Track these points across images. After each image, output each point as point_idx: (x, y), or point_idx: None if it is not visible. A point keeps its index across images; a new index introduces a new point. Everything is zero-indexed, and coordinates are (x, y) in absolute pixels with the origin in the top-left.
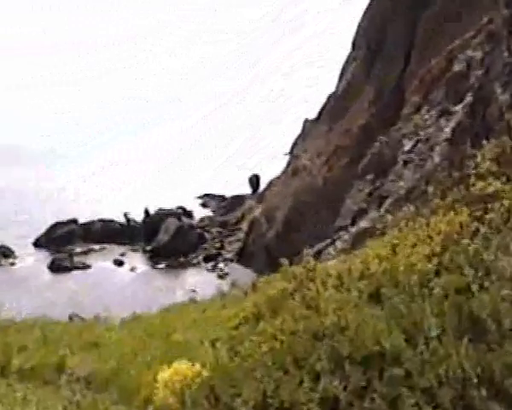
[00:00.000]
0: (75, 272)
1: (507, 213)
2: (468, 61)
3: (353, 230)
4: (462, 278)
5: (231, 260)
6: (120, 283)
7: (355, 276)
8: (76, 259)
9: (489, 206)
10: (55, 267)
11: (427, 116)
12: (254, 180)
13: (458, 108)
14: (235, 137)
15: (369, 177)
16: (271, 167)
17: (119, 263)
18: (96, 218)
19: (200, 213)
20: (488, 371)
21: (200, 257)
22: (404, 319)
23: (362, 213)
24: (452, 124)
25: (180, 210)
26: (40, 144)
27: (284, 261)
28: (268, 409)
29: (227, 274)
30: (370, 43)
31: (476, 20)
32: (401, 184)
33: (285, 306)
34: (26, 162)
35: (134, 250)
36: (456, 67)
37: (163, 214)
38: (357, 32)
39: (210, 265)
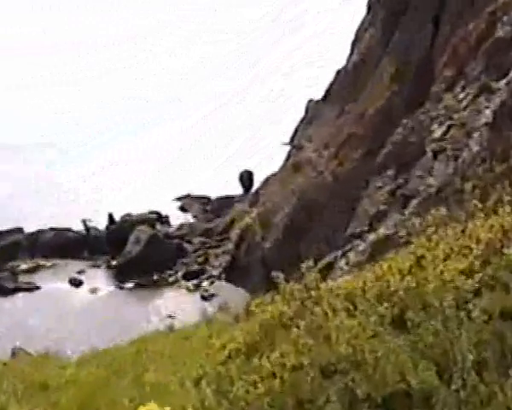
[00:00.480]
0: (20, 295)
1: None
2: None
3: (371, 238)
4: (508, 299)
5: (218, 278)
6: (78, 308)
7: (373, 296)
8: (21, 278)
9: None
10: None
11: (462, 95)
12: (246, 178)
13: (501, 84)
14: (235, 137)
15: (390, 172)
16: (269, 166)
17: (77, 283)
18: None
19: (178, 218)
20: None
21: (179, 274)
22: (436, 350)
23: (381, 216)
24: (494, 105)
25: (153, 215)
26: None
27: (279, 277)
28: None
29: (213, 295)
30: (391, 4)
31: None
32: (430, 180)
33: (286, 335)
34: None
35: (95, 266)
36: (500, 33)
37: (132, 221)
38: None
39: (191, 283)
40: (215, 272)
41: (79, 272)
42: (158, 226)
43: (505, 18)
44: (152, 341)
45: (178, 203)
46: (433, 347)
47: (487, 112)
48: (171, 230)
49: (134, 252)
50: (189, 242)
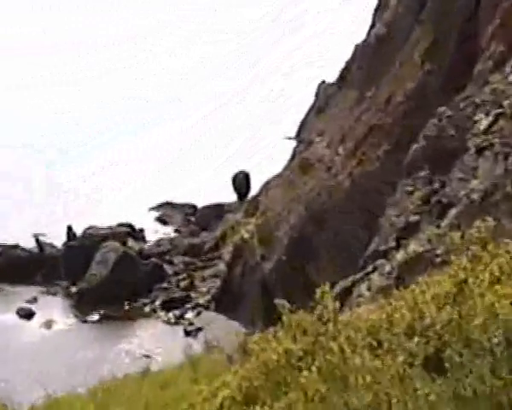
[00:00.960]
0: None
1: None
2: None
3: (398, 257)
4: None
5: (206, 307)
6: (29, 345)
7: (401, 330)
8: None
9: None
10: None
11: None
12: (241, 181)
13: None
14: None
15: (423, 173)
16: (270, 166)
17: (27, 314)
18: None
19: (156, 232)
20: None
21: (157, 303)
22: (483, 399)
23: (411, 230)
24: None
25: (124, 228)
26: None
27: (284, 306)
28: None
29: (200, 329)
30: None
31: None
32: (473, 183)
33: (293, 379)
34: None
35: (50, 293)
36: None
37: (97, 236)
38: None
39: (172, 315)
40: (202, 301)
41: (30, 301)
42: (130, 242)
43: None
44: (121, 388)
45: (155, 214)
46: (479, 396)
47: None
48: (146, 247)
49: (99, 275)
50: (170, 262)
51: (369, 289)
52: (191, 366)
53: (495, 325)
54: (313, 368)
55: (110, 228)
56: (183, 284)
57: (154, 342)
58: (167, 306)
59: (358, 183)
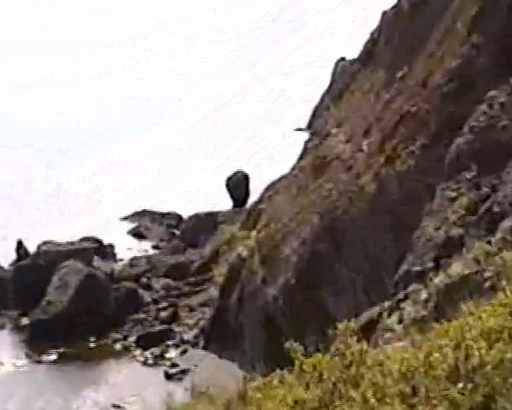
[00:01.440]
0: None
1: None
2: None
3: (438, 280)
4: None
5: (193, 344)
6: None
7: (442, 374)
8: None
9: None
10: None
11: None
12: (239, 184)
13: None
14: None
15: (469, 175)
16: (271, 167)
17: None
18: None
19: (129, 249)
20: None
21: (131, 338)
22: None
23: (454, 246)
24: None
25: (90, 244)
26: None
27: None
28: None
29: (185, 372)
30: None
31: None
32: None
33: None
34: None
35: None
36: None
37: (54, 254)
38: None
39: (150, 354)
40: (188, 336)
41: None
42: (97, 262)
43: None
44: None
45: (129, 225)
46: None
47: None
48: (118, 267)
49: (58, 303)
50: (148, 286)
51: (400, 321)
52: None
53: None
54: None
55: (71, 244)
56: (163, 314)
57: (128, 388)
58: (144, 342)
59: (386, 186)
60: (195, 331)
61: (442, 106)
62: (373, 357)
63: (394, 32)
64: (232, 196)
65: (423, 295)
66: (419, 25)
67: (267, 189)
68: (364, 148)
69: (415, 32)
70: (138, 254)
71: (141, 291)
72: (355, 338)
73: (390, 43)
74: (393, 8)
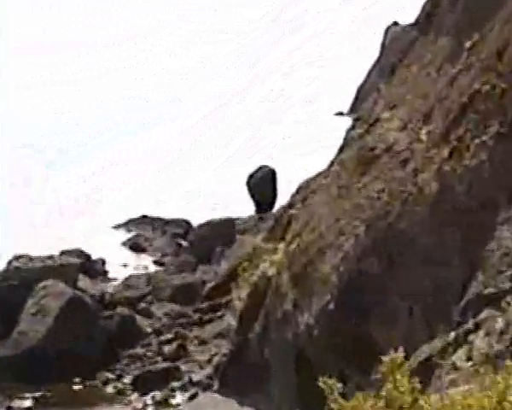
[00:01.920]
0: None
1: None
2: None
3: None
4: None
5: (205, 387)
6: None
7: None
8: None
9: None
10: None
11: None
12: (264, 182)
13: None
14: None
15: None
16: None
17: None
18: None
19: (125, 266)
20: None
21: (127, 379)
22: None
23: None
24: None
25: (74, 260)
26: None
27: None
28: None
29: None
30: None
31: None
32: None
33: None
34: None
35: None
36: None
37: (29, 271)
38: None
39: (151, 398)
40: (199, 376)
41: None
42: (83, 281)
43: None
44: None
45: (124, 235)
46: None
47: None
48: (110, 289)
49: (34, 335)
50: (148, 313)
51: (469, 357)
52: None
53: None
54: None
55: (50, 258)
56: (167, 348)
57: None
58: (143, 384)
59: (451, 186)
60: (208, 370)
61: None
62: (432, 403)
63: None
64: (255, 199)
65: (498, 325)
66: None
67: (299, 189)
68: (423, 137)
69: None
70: (136, 273)
71: (139, 319)
72: (407, 378)
73: (456, 4)
74: None
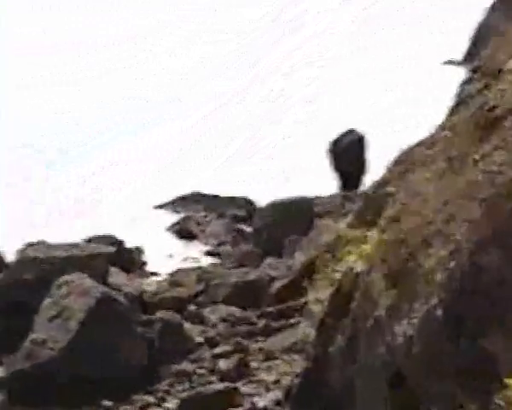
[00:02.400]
0: None
1: None
2: None
3: None
4: None
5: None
6: None
7: None
8: None
9: None
10: None
11: None
12: (355, 149)
13: None
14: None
15: None
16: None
17: None
18: None
19: (170, 256)
20: None
21: (173, 403)
22: None
23: None
24: None
25: (104, 248)
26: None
27: None
28: None
29: None
30: None
31: None
32: None
33: None
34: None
35: None
36: None
37: (48, 263)
38: None
39: None
40: (264, 401)
41: None
42: (114, 277)
43: None
44: None
45: (169, 218)
46: None
47: None
48: (150, 287)
49: (53, 345)
50: (199, 319)
51: None
52: None
53: None
54: None
55: (74, 245)
56: (224, 364)
57: None
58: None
59: None
60: (276, 394)
61: None
62: None
63: None
64: (339, 172)
65: None
66: None
67: (397, 161)
68: None
69: None
70: (184, 266)
71: (188, 326)
72: None
73: None
74: None
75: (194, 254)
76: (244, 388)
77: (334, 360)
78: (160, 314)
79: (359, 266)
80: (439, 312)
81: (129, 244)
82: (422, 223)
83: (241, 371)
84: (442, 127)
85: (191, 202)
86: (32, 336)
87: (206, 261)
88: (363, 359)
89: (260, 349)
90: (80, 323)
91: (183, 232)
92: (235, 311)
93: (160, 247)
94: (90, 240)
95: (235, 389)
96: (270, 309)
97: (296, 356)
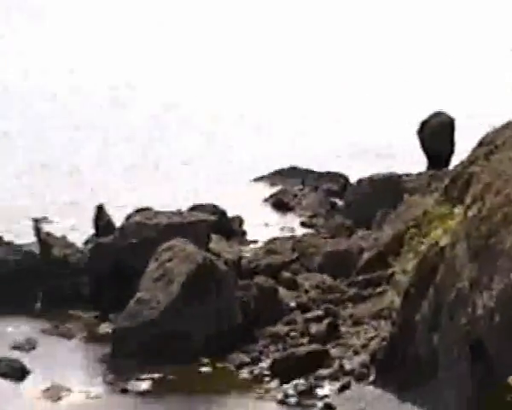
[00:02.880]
0: None
1: None
2: None
3: None
4: None
5: (359, 377)
6: None
7: None
8: None
9: None
10: None
11: None
12: (445, 131)
13: None
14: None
15: None
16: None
17: (15, 373)
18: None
19: (266, 224)
20: None
21: (266, 363)
22: None
23: None
24: None
25: (206, 216)
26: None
27: None
28: None
29: None
30: None
31: None
32: None
33: None
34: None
35: (61, 333)
36: None
37: (151, 228)
38: None
39: (293, 388)
40: (352, 364)
41: (21, 346)
42: (216, 244)
43: None
44: None
45: (267, 190)
46: None
47: None
48: (248, 254)
49: (156, 304)
50: (293, 284)
51: None
52: None
53: None
54: None
55: (178, 213)
56: (315, 328)
57: None
58: (283, 370)
59: None
60: (363, 357)
61: None
62: None
63: None
64: (428, 151)
65: None
66: None
67: (483, 141)
68: None
69: None
70: (280, 235)
71: (282, 291)
72: None
73: None
74: None
75: (290, 225)
76: (333, 350)
77: (418, 327)
78: (256, 279)
79: (444, 240)
80: None
81: (230, 214)
82: (505, 201)
83: (331, 334)
84: None
85: (288, 176)
86: (137, 295)
87: (301, 232)
88: (446, 328)
89: (350, 315)
90: (182, 285)
91: (280, 204)
92: (327, 279)
93: (258, 217)
94: (193, 208)
95: (325, 351)
96: (359, 278)
97: (383, 323)
